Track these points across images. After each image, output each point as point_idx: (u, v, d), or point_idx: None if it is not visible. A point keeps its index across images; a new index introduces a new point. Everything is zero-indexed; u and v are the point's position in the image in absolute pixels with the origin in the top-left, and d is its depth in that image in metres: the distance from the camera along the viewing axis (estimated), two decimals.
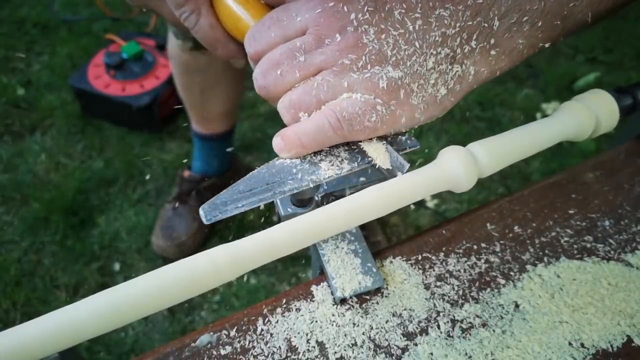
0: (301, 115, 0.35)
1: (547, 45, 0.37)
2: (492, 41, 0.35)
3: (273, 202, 0.36)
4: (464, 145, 0.36)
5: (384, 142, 0.36)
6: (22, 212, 1.33)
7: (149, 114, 1.45)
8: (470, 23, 0.34)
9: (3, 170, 1.42)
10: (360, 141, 0.35)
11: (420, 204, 1.34)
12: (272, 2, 0.40)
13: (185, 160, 1.42)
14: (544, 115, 1.57)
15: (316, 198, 0.38)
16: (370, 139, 0.35)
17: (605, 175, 0.45)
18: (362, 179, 0.40)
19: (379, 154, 0.35)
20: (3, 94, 1.61)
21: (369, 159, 0.35)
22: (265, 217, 1.33)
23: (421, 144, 0.37)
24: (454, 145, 0.36)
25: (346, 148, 0.36)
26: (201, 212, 0.33)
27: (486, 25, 0.34)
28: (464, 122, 1.57)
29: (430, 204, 1.36)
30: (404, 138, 0.37)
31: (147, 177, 1.41)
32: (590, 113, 0.38)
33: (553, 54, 1.80)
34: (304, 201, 0.38)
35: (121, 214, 1.34)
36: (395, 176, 0.34)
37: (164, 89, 1.45)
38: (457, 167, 0.34)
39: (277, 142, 0.35)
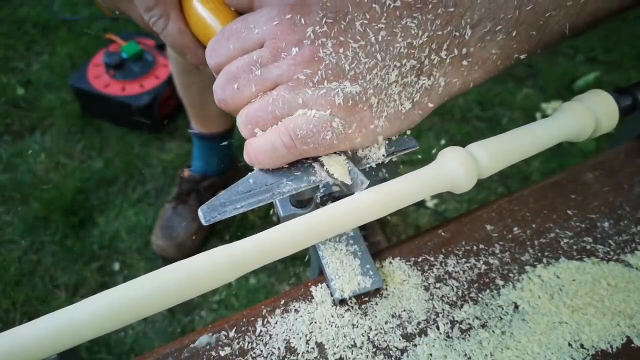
0: (257, 132, 0.34)
1: (522, 57, 0.35)
2: (465, 51, 0.34)
3: (273, 202, 0.36)
4: (464, 145, 0.36)
5: (345, 156, 0.35)
6: (22, 212, 1.33)
7: (149, 114, 1.44)
8: (440, 33, 0.33)
9: (3, 170, 1.42)
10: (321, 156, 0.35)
11: (420, 204, 1.34)
12: (242, 9, 0.39)
13: (186, 161, 1.42)
14: (544, 115, 1.57)
15: (316, 199, 0.38)
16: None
17: (605, 175, 0.45)
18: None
19: (339, 169, 0.34)
20: (3, 94, 1.61)
21: (328, 173, 0.34)
22: (265, 217, 1.33)
23: (421, 144, 0.37)
24: (453, 146, 0.36)
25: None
26: (200, 213, 0.33)
27: (458, 34, 0.33)
28: (464, 122, 1.57)
29: (430, 204, 1.36)
30: (404, 139, 0.37)
31: (147, 177, 1.41)
32: (590, 114, 0.38)
33: (553, 54, 1.79)
34: (303, 202, 0.38)
35: (121, 214, 1.34)
36: (353, 193, 0.34)
37: (164, 89, 1.46)
38: (457, 168, 0.34)
39: (245, 156, 0.35)
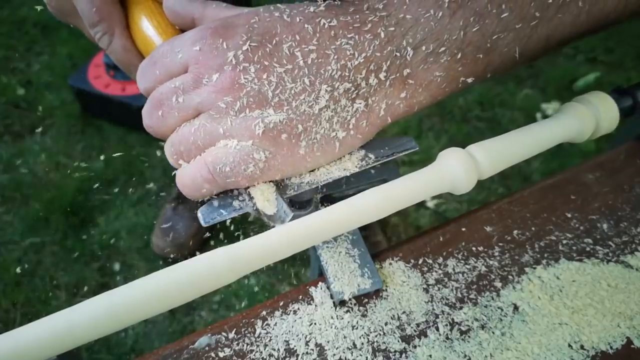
0: (181, 163, 0.33)
1: (470, 80, 0.34)
2: (406, 72, 0.32)
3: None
4: (464, 145, 0.36)
5: (274, 185, 0.33)
6: (22, 212, 1.33)
7: None
8: (379, 53, 0.32)
9: (3, 170, 1.42)
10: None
11: (420, 204, 1.34)
12: (185, 28, 0.37)
13: None
14: (544, 116, 1.57)
15: (315, 200, 0.38)
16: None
17: (605, 176, 0.45)
18: (362, 180, 0.40)
19: (264, 198, 0.32)
20: (3, 94, 1.61)
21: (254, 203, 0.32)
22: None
23: (421, 144, 0.37)
24: (453, 147, 0.36)
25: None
26: (199, 214, 0.33)
27: (398, 54, 0.32)
28: (464, 122, 1.57)
29: (430, 204, 1.36)
30: (403, 139, 0.37)
31: (147, 177, 1.41)
32: (590, 115, 0.38)
33: (553, 54, 1.79)
34: (303, 203, 0.38)
35: (121, 214, 1.34)
36: (274, 225, 0.32)
37: None
38: (457, 170, 0.34)
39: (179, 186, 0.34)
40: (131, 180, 1.41)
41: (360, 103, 0.32)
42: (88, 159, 1.46)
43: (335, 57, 0.31)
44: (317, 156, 0.33)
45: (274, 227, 0.32)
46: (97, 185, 1.39)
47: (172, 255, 1.24)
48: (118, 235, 1.29)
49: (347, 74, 0.32)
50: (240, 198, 0.33)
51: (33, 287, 1.19)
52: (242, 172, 0.31)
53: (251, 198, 0.33)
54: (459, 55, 0.32)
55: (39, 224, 1.30)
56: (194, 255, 0.30)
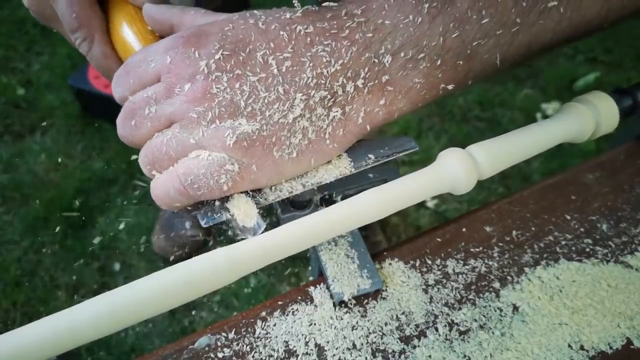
0: (154, 174, 0.33)
1: (450, 87, 0.33)
2: (385, 78, 0.32)
3: (272, 204, 0.36)
4: (464, 145, 0.36)
5: (249, 196, 0.32)
6: (22, 212, 1.33)
7: None
8: (357, 60, 0.31)
9: (3, 170, 1.42)
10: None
11: (420, 204, 1.34)
12: (165, 35, 0.37)
13: None
14: (544, 116, 1.57)
15: (315, 200, 0.38)
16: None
17: (605, 176, 0.45)
18: (362, 180, 0.40)
19: (240, 210, 0.32)
20: (3, 94, 1.61)
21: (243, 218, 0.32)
22: (264, 218, 1.33)
23: (421, 144, 0.37)
24: (453, 147, 0.36)
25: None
26: (199, 215, 0.33)
27: (377, 61, 0.31)
28: (464, 122, 1.57)
29: (430, 204, 1.36)
30: (403, 140, 0.37)
31: (147, 177, 1.41)
32: (590, 115, 0.38)
33: (553, 54, 1.79)
34: (302, 203, 0.38)
35: (121, 214, 1.34)
36: (244, 236, 0.31)
37: None
38: (457, 170, 0.34)
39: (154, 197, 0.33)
40: (131, 180, 1.41)
41: (337, 111, 0.32)
42: (88, 159, 1.46)
43: (311, 64, 0.31)
44: (292, 166, 0.33)
45: (243, 238, 0.31)
46: (97, 185, 1.39)
47: (172, 256, 1.24)
48: (118, 235, 1.29)
49: (323, 81, 0.31)
50: (216, 209, 0.32)
51: (33, 287, 1.19)
52: (214, 184, 0.31)
53: (227, 209, 0.32)
54: (439, 62, 0.32)
55: (39, 224, 1.30)
56: (194, 255, 0.30)
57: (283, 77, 0.31)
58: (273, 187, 0.34)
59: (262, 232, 0.31)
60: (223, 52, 0.30)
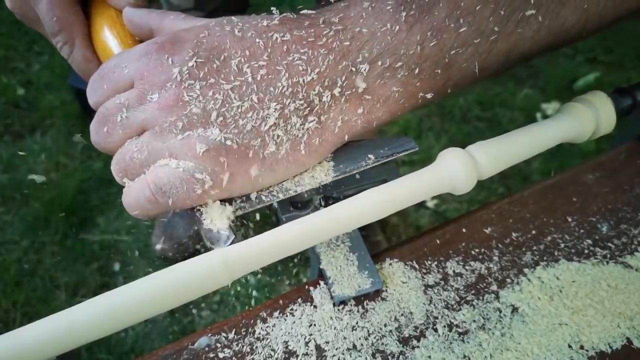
0: (125, 181, 0.32)
1: (429, 95, 0.33)
2: (362, 87, 0.32)
3: (272, 204, 0.36)
4: (464, 145, 0.36)
5: (225, 205, 0.32)
6: (22, 212, 1.33)
7: None
8: (334, 68, 0.31)
9: (3, 170, 1.42)
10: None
11: (420, 204, 1.34)
12: (144, 39, 0.36)
13: None
14: (544, 116, 1.57)
15: (315, 201, 0.38)
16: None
17: (605, 176, 0.45)
18: (358, 178, 0.40)
19: (214, 217, 0.31)
20: (3, 94, 1.61)
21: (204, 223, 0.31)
22: (265, 218, 1.33)
23: (421, 144, 0.37)
24: (453, 147, 0.36)
25: (345, 149, 0.36)
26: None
27: (354, 69, 0.31)
28: (464, 122, 1.57)
29: (430, 204, 1.36)
30: (403, 140, 0.37)
31: None
32: (590, 115, 0.38)
33: (553, 54, 1.79)
34: (302, 204, 0.38)
35: (121, 214, 1.33)
36: (213, 246, 0.31)
37: None
38: (457, 170, 0.34)
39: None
40: None
41: (313, 120, 0.32)
42: (88, 159, 1.46)
43: (287, 73, 0.31)
44: (265, 176, 0.32)
45: (212, 249, 0.31)
46: (97, 185, 1.39)
47: (172, 256, 1.24)
48: (118, 235, 1.29)
49: (299, 90, 0.31)
50: (189, 218, 0.32)
51: (33, 287, 1.19)
52: (185, 193, 0.30)
53: (199, 219, 0.31)
54: (417, 70, 0.32)
55: (39, 224, 1.30)
56: (194, 255, 0.30)
57: (258, 85, 0.30)
58: (256, 194, 0.33)
59: (230, 244, 0.31)
60: (197, 60, 0.30)
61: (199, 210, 0.32)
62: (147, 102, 0.31)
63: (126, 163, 0.32)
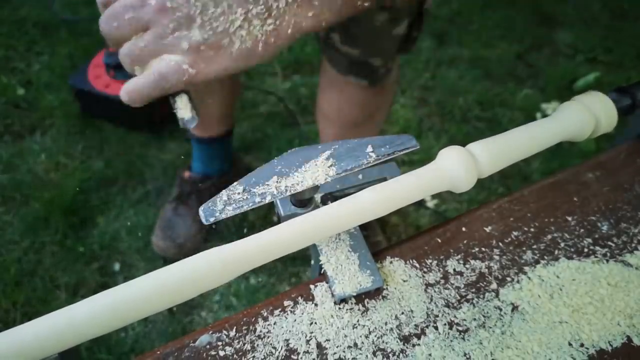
0: (136, 69, 0.40)
1: (366, 4, 0.40)
2: None
3: (273, 202, 0.36)
4: (464, 145, 0.36)
5: (187, 95, 0.42)
6: (22, 212, 1.33)
7: (149, 114, 1.44)
8: None
9: (3, 170, 1.42)
10: (177, 94, 0.42)
11: (420, 203, 1.34)
12: None
13: (183, 157, 1.42)
14: (544, 115, 1.57)
15: (316, 198, 0.38)
16: (179, 93, 0.42)
17: (605, 175, 0.45)
18: (359, 177, 0.40)
19: (182, 107, 0.42)
20: (3, 94, 1.61)
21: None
22: (265, 217, 1.33)
23: (421, 143, 0.37)
24: (453, 146, 0.36)
25: (346, 147, 0.36)
26: (201, 212, 0.33)
27: None
28: (464, 122, 1.57)
29: (430, 203, 1.36)
30: (404, 138, 0.37)
31: (147, 177, 1.41)
32: (589, 113, 0.38)
33: (553, 54, 1.80)
34: (303, 201, 0.38)
35: (121, 214, 1.34)
36: (186, 127, 0.42)
37: None
38: (457, 168, 0.34)
39: (123, 96, 0.41)
40: (131, 180, 1.41)
41: (270, 23, 0.39)
42: (88, 159, 1.46)
43: None
44: (232, 65, 0.40)
45: (185, 128, 0.43)
46: (97, 185, 1.39)
47: (172, 256, 1.24)
48: (118, 235, 1.29)
49: None
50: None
51: (33, 287, 1.19)
52: (177, 79, 0.39)
53: (175, 103, 0.42)
54: None
55: (39, 224, 1.30)
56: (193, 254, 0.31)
57: None
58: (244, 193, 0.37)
59: (194, 126, 0.42)
60: None
61: (175, 100, 0.42)
62: (147, 5, 0.38)
63: (137, 54, 0.40)
